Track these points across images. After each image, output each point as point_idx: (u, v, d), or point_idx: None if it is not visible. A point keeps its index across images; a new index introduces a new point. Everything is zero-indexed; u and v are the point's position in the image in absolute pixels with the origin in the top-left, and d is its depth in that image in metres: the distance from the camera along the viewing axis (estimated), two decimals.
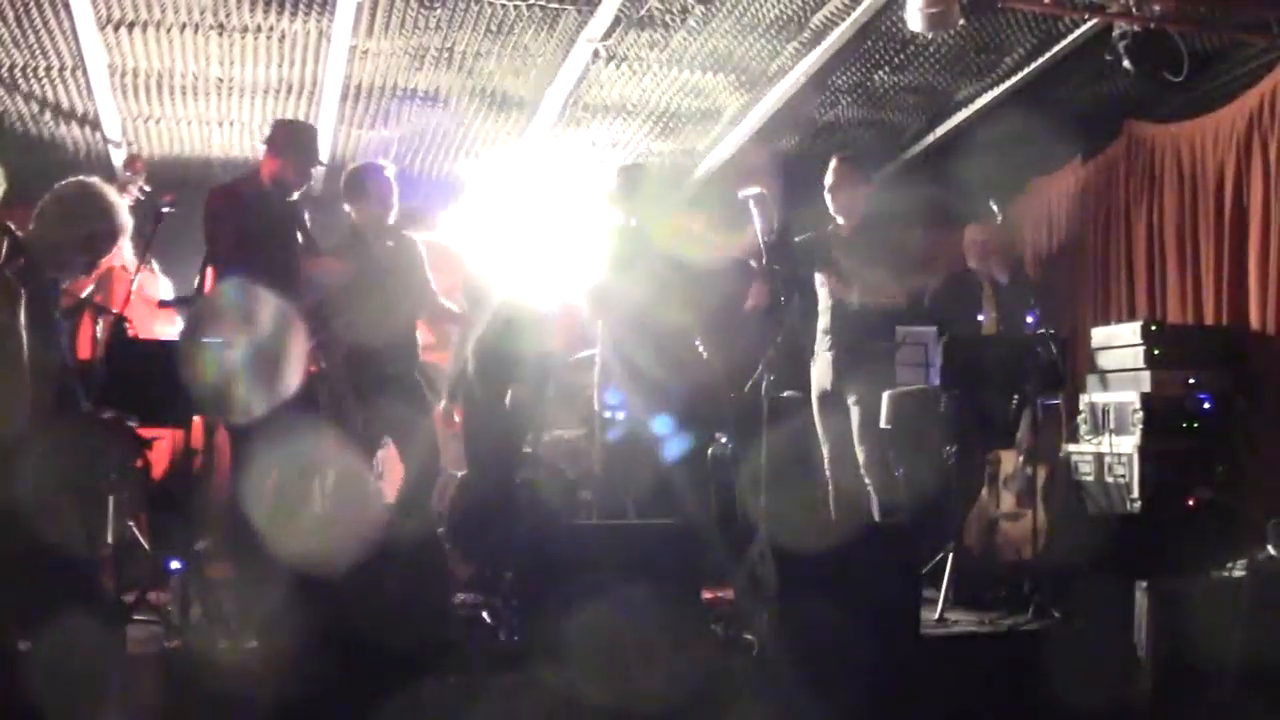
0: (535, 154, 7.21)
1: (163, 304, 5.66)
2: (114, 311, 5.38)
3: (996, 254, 6.44)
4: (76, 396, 3.27)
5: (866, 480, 5.31)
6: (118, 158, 7.00)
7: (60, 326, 3.17)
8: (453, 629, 4.22)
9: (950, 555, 4.92)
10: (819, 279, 5.56)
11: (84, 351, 5.26)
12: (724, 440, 5.70)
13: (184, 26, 5.42)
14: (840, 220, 5.49)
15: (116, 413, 4.27)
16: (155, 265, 5.75)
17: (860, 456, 5.32)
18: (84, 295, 5.49)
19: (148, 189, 5.72)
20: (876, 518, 5.25)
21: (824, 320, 5.54)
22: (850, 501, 5.31)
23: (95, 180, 3.44)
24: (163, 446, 5.44)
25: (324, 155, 7.10)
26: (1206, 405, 5.79)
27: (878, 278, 5.36)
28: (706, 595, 4.59)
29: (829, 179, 5.47)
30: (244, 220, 4.67)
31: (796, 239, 5.57)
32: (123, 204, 3.44)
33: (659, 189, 5.48)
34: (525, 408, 5.35)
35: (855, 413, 5.33)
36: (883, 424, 5.31)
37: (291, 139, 4.94)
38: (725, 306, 5.61)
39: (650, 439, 5.15)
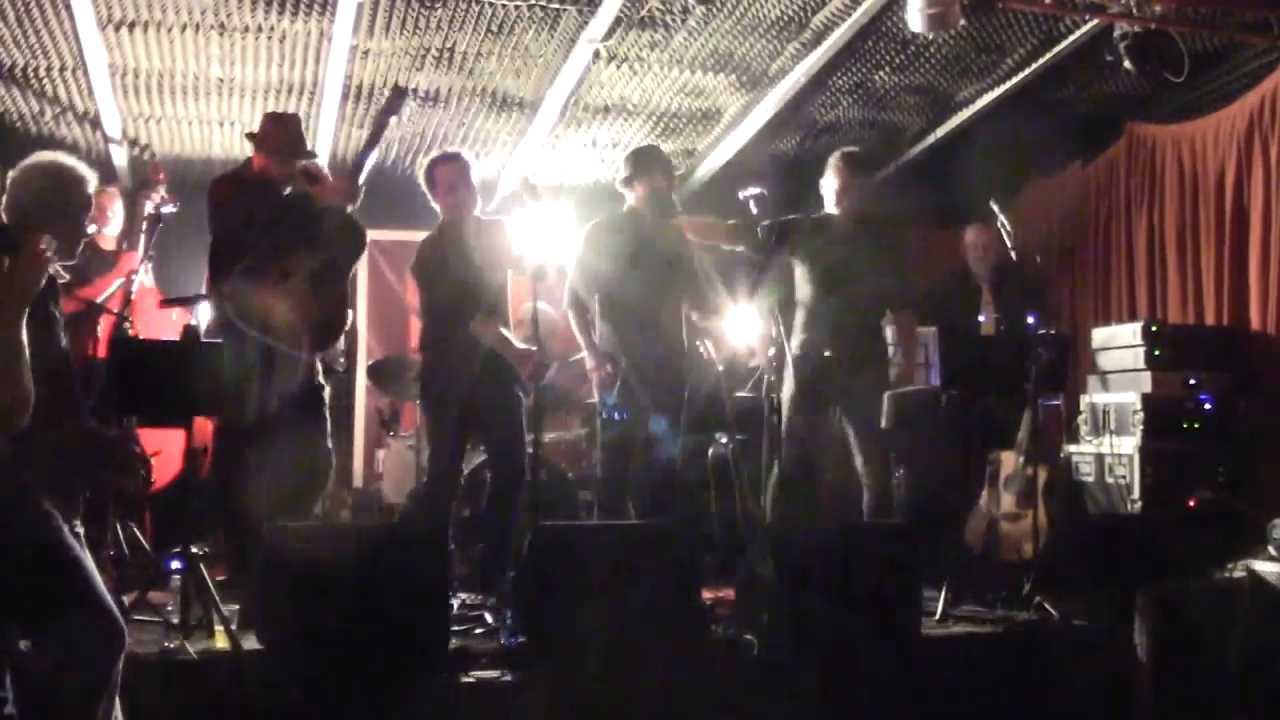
0: (536, 154, 7.22)
1: (164, 303, 5.66)
2: (114, 311, 5.39)
3: (995, 254, 6.42)
4: (77, 395, 3.25)
5: (865, 481, 5.28)
6: (119, 157, 7.01)
7: (59, 322, 3.13)
8: (452, 629, 4.21)
9: (950, 555, 4.92)
10: (800, 271, 5.41)
11: (85, 352, 5.26)
12: (724, 440, 5.69)
13: (185, 26, 5.42)
14: (835, 212, 5.38)
15: (121, 430, 4.24)
16: (149, 267, 5.74)
17: (859, 459, 5.28)
18: (99, 299, 5.50)
19: (165, 197, 5.72)
20: (867, 518, 5.21)
21: (807, 316, 5.35)
22: (848, 502, 5.31)
23: (55, 155, 3.35)
24: (170, 448, 5.43)
25: (324, 156, 7.15)
26: (1207, 406, 5.80)
27: (868, 276, 5.26)
28: (706, 595, 4.59)
29: (826, 172, 5.39)
30: (249, 205, 4.59)
31: (781, 219, 5.40)
32: (84, 166, 3.34)
33: (668, 167, 5.39)
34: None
35: (849, 417, 5.26)
36: (883, 424, 5.31)
37: (270, 132, 4.78)
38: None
39: (650, 439, 5.14)
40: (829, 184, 5.39)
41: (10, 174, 3.23)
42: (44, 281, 2.87)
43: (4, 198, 3.21)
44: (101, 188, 6.06)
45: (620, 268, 5.12)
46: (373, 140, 4.78)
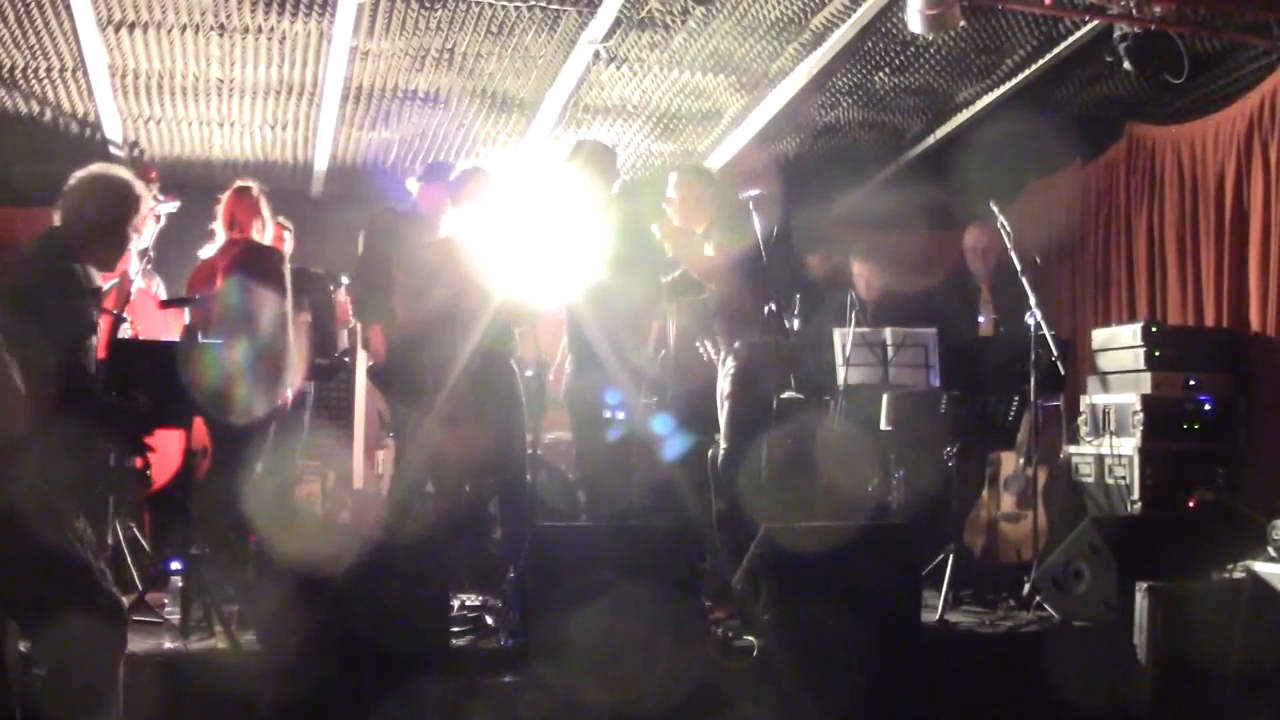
0: (536, 155, 7.22)
1: (164, 304, 5.66)
2: (114, 311, 5.38)
3: (995, 255, 6.42)
4: (82, 395, 3.26)
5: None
6: (119, 159, 6.99)
7: (86, 323, 3.18)
8: (452, 629, 4.21)
9: (950, 556, 4.92)
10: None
11: None
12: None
13: (184, 27, 5.43)
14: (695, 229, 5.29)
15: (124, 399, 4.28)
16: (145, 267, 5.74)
17: None
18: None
19: (160, 198, 5.72)
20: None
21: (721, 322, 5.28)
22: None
23: (119, 170, 3.47)
24: (169, 448, 5.43)
25: (323, 157, 7.17)
26: (1207, 407, 5.80)
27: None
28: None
29: (668, 190, 5.33)
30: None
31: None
32: (141, 185, 3.46)
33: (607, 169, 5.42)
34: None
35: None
36: (883, 425, 5.30)
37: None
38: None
39: (650, 439, 5.14)
40: (669, 202, 5.31)
41: (74, 180, 3.31)
42: None
43: (64, 201, 3.28)
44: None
45: (618, 271, 5.13)
46: None
